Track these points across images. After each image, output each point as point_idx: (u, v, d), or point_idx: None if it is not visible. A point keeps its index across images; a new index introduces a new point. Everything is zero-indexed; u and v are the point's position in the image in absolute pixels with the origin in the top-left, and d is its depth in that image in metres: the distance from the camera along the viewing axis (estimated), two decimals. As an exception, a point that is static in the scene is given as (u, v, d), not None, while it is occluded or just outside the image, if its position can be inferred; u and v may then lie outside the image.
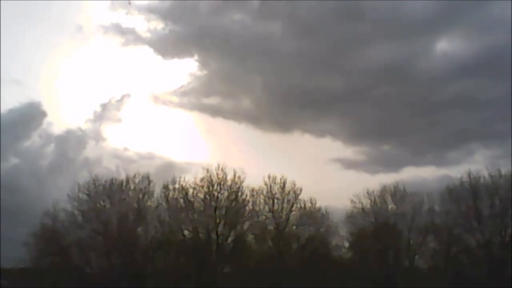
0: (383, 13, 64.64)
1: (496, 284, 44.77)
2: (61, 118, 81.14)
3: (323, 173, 62.12)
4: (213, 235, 48.11)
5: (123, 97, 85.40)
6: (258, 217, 49.68)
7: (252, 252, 49.90)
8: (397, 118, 63.06)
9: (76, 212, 48.13)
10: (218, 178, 48.76)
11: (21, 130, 71.34)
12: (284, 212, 49.57)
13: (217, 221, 48.11)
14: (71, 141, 71.12)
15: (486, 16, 64.19)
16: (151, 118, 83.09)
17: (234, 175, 49.03)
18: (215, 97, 74.05)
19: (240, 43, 66.98)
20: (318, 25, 64.13)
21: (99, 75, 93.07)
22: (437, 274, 48.57)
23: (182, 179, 49.56)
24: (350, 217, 50.41)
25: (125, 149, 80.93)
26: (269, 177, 50.21)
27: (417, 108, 60.97)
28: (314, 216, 49.60)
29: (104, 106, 79.41)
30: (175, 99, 74.78)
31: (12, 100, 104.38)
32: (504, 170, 48.20)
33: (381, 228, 49.46)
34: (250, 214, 49.34)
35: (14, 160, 63.53)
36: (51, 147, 69.37)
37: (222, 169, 49.26)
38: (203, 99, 71.34)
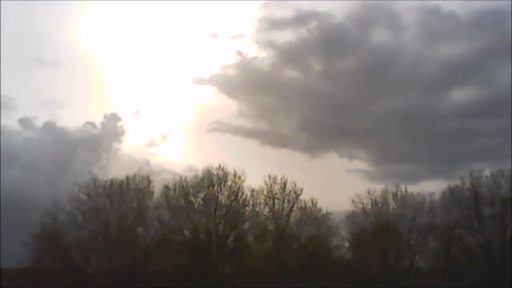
0: (403, 70, 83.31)
1: (496, 284, 44.81)
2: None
3: (347, 183, 70.79)
4: (213, 235, 48.09)
5: (183, 124, 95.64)
6: (258, 217, 49.63)
7: (252, 252, 49.84)
8: (415, 146, 77.34)
9: (76, 212, 48.10)
10: (219, 179, 48.78)
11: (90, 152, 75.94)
12: (285, 212, 49.52)
13: (217, 221, 48.10)
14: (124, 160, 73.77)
15: (487, 72, 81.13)
16: (203, 140, 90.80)
17: (235, 175, 49.08)
18: (260, 128, 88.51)
19: (289, 90, 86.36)
20: (352, 80, 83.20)
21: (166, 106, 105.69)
22: (437, 274, 48.51)
23: (182, 179, 49.65)
24: (351, 217, 50.37)
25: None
26: (269, 177, 50.29)
27: (432, 138, 74.89)
28: (314, 217, 49.56)
29: (165, 136, 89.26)
30: (229, 127, 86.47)
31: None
32: (505, 170, 48.22)
33: (381, 229, 49.39)
34: (250, 215, 49.29)
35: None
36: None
37: (222, 169, 49.34)
38: (250, 128, 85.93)
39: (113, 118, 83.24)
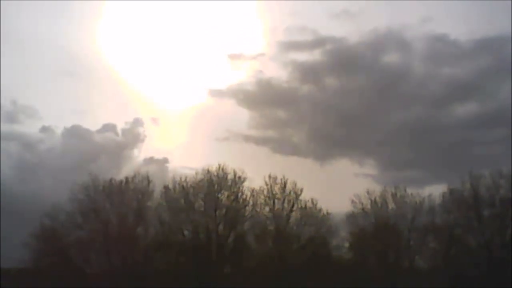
0: (410, 88, 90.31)
1: (496, 284, 44.70)
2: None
3: (354, 188, 69.31)
4: (213, 235, 48.15)
5: (198, 133, 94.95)
6: (258, 217, 49.65)
7: (252, 253, 49.85)
8: (420, 155, 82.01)
9: (76, 212, 48.05)
10: (218, 178, 48.80)
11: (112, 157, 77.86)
12: (285, 213, 49.52)
13: (217, 221, 48.16)
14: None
15: (488, 89, 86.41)
16: (217, 148, 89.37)
17: (235, 175, 49.10)
18: (272, 137, 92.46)
19: (304, 105, 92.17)
20: (363, 96, 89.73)
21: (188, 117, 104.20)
22: (437, 274, 48.50)
23: (182, 179, 49.65)
24: (351, 217, 50.37)
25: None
26: (269, 177, 50.30)
27: (436, 147, 79.77)
28: (314, 217, 49.56)
29: (182, 145, 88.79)
30: (242, 136, 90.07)
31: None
32: (505, 170, 48.24)
33: (381, 229, 49.41)
34: (250, 215, 49.36)
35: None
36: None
37: (222, 169, 49.37)
38: (262, 136, 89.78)
39: (134, 125, 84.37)
